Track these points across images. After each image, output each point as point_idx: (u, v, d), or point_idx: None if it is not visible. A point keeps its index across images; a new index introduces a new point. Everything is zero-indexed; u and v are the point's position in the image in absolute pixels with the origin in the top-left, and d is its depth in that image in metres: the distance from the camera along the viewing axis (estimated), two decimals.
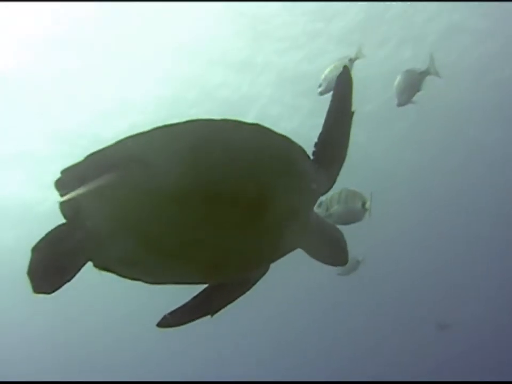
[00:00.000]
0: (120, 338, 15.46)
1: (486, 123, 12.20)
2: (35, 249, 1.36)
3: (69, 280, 1.39)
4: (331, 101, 1.57)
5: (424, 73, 4.74)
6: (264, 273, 1.58)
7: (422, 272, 15.08)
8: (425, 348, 16.15)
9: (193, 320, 1.51)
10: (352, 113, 1.57)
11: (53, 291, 1.38)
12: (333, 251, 1.67)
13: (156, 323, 1.53)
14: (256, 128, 1.37)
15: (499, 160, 13.05)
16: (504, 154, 12.91)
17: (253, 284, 1.57)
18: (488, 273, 15.42)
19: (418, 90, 4.76)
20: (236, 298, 1.55)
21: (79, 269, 1.40)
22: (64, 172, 1.41)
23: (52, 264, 1.36)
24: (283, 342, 16.39)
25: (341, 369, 16.21)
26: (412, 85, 4.74)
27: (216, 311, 1.51)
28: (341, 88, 1.56)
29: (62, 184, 1.42)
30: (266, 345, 16.57)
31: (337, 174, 1.61)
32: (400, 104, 4.81)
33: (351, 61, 4.78)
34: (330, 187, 1.60)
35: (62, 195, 1.41)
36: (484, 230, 14.58)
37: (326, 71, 4.86)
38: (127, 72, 9.77)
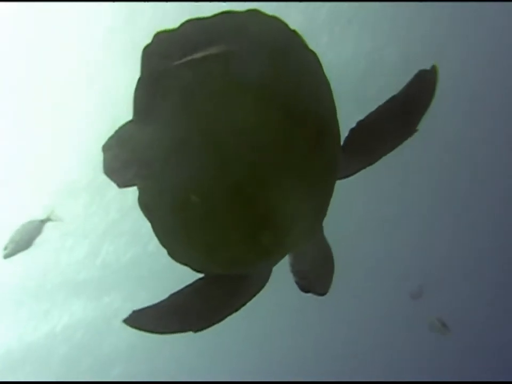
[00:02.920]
0: None
1: None
2: (105, 148, 1.26)
3: (153, 168, 1.25)
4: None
5: None
6: (264, 282, 1.42)
7: None
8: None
9: (169, 331, 1.27)
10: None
11: (137, 181, 1.26)
12: (324, 272, 1.45)
13: (124, 319, 1.30)
14: (279, 23, 1.26)
15: None
16: None
17: (252, 296, 1.39)
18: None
19: None
20: (231, 312, 1.33)
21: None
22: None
23: (125, 159, 1.25)
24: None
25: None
26: None
27: (204, 326, 1.27)
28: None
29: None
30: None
31: (356, 171, 1.42)
32: None
33: (43, 222, 4.83)
34: (347, 176, 1.41)
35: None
36: None
37: (13, 233, 4.72)
38: None
